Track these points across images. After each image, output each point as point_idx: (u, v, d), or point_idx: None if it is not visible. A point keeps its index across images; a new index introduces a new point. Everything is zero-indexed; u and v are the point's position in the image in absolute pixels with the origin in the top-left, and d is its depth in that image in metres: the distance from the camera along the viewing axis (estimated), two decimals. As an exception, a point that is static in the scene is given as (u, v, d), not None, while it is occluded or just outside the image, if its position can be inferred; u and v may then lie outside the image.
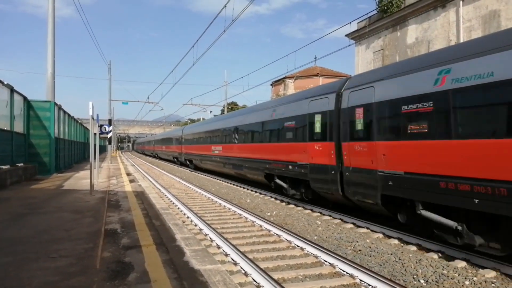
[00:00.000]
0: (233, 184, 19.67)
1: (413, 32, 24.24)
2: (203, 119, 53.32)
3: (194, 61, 23.40)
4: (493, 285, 5.94)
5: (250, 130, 17.39)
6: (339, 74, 46.96)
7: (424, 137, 7.43)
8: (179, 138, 36.18)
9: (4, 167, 12.90)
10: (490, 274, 6.30)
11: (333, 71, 49.45)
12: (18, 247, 5.35)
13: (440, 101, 7.12)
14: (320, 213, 11.57)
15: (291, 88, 47.12)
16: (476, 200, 6.36)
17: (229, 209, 12.24)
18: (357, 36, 29.48)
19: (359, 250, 7.71)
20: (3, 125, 13.22)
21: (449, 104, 6.95)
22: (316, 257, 7.05)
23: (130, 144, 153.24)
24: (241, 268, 6.34)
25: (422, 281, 6.07)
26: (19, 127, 15.12)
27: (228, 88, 49.19)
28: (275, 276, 5.95)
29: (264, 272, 5.96)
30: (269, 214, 11.66)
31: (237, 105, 74.45)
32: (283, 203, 13.59)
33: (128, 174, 20.22)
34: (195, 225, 9.76)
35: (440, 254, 7.36)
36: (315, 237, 8.79)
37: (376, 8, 26.42)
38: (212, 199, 14.25)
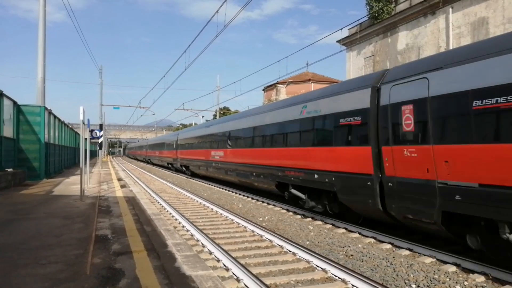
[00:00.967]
0: (225, 189, 19.61)
1: (403, 38, 24.51)
2: (195, 124, 53.23)
3: (186, 66, 23.42)
4: (483, 289, 5.98)
5: (258, 134, 15.49)
6: (331, 79, 47.26)
7: None
8: (174, 142, 34.45)
9: (-7, 172, 12.75)
10: (481, 278, 6.34)
11: (324, 77, 49.75)
12: (6, 254, 5.28)
13: None
14: (312, 218, 11.57)
15: (283, 93, 47.30)
16: None
17: (221, 214, 12.20)
18: (349, 42, 29.75)
19: (351, 255, 7.72)
20: (-8, 130, 13.08)
21: None
22: (308, 262, 7.04)
23: (122, 149, 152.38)
24: (233, 273, 6.31)
25: (413, 286, 6.09)
26: (8, 132, 14.95)
27: (220, 93, 49.23)
28: (267, 282, 5.93)
29: (256, 277, 5.94)
30: (261, 219, 11.64)
31: (230, 110, 74.50)
32: (276, 208, 13.57)
33: (119, 180, 20.08)
34: (187, 230, 9.71)
35: (431, 259, 7.39)
36: (307, 242, 8.78)
37: (367, 15, 26.70)
38: (204, 204, 14.19)
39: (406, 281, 6.29)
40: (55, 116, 21.52)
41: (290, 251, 7.81)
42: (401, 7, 24.60)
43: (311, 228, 10.21)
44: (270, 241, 8.68)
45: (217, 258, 7.17)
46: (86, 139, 14.49)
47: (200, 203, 14.69)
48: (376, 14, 26.13)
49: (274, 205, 14.14)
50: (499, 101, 5.99)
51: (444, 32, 21.25)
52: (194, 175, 28.40)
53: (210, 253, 7.58)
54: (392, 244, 8.49)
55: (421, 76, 7.56)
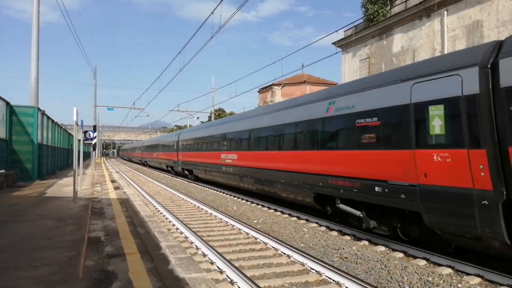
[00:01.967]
0: (220, 192, 19.55)
1: (398, 41, 24.62)
2: (190, 125, 53.05)
3: (181, 67, 23.35)
4: (477, 291, 5.99)
5: (289, 132, 12.57)
6: (327, 81, 47.38)
7: None
8: (175, 143, 31.50)
9: (-15, 173, 12.63)
10: (474, 280, 6.36)
11: (320, 79, 49.86)
12: (-3, 256, 5.21)
13: None
14: (307, 220, 11.55)
15: (279, 95, 47.32)
16: None
17: (216, 216, 12.16)
18: (344, 44, 29.82)
19: (346, 258, 7.71)
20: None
21: None
22: (303, 264, 7.02)
23: (116, 151, 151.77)
24: (227, 276, 6.27)
25: (408, 288, 6.09)
26: (1, 133, 14.85)
27: (215, 95, 49.18)
28: (262, 285, 5.90)
29: (250, 280, 5.91)
30: (255, 221, 11.61)
31: (225, 111, 74.48)
32: (270, 210, 13.54)
33: (113, 181, 19.97)
34: (181, 232, 9.66)
35: (425, 261, 7.40)
36: (302, 245, 8.76)
37: (363, 17, 26.79)
38: (199, 207, 14.14)
39: (400, 283, 6.29)
40: (48, 117, 21.39)
41: (284, 253, 7.79)
42: (396, 9, 24.70)
43: (306, 230, 10.20)
44: (265, 243, 8.65)
45: (211, 261, 7.13)
46: (79, 140, 14.40)
47: (195, 205, 14.64)
48: (372, 17, 26.22)
49: (268, 207, 14.11)
50: None
51: (439, 35, 21.36)
52: (198, 179, 25.54)
53: (204, 255, 7.54)
54: (386, 246, 8.49)
55: None
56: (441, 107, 7.05)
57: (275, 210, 13.48)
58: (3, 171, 14.51)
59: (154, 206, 13.98)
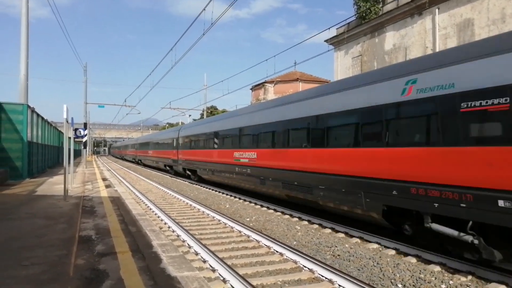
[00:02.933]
0: (212, 190, 19.50)
1: (390, 38, 24.72)
2: (182, 123, 52.76)
3: (172, 64, 23.20)
4: (468, 288, 6.03)
5: (335, 125, 9.92)
6: (319, 79, 47.46)
7: None
8: (174, 140, 28.46)
9: (-27, 171, 12.45)
10: (466, 277, 6.40)
11: (313, 76, 49.93)
12: (-14, 255, 5.13)
13: None
14: (300, 218, 11.56)
15: (271, 92, 47.31)
16: None
17: (208, 214, 12.11)
18: (336, 42, 29.88)
19: (338, 255, 7.72)
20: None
21: None
22: (296, 262, 7.02)
23: (107, 149, 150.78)
24: (220, 274, 6.25)
25: (399, 285, 6.11)
26: (-10, 131, 14.65)
27: (207, 92, 49.01)
28: (254, 283, 5.88)
29: (243, 278, 5.89)
30: (248, 219, 11.59)
31: (217, 109, 74.29)
32: (263, 208, 13.53)
33: (104, 179, 19.83)
34: (173, 231, 9.60)
35: (417, 258, 7.44)
36: (295, 242, 8.76)
37: (355, 15, 26.85)
38: (191, 205, 14.08)
39: (392, 280, 6.31)
40: (38, 115, 21.15)
41: (277, 251, 7.78)
42: (388, 7, 24.80)
43: (299, 228, 10.20)
44: (257, 241, 8.64)
45: (204, 259, 7.09)
46: (70, 138, 14.26)
47: (187, 203, 14.58)
48: (364, 14, 26.29)
49: (261, 205, 14.09)
50: None
51: (431, 33, 21.48)
52: (201, 180, 22.67)
53: (197, 253, 7.50)
54: (378, 244, 8.52)
55: None
56: None
57: (268, 208, 13.46)
58: (-8, 169, 14.33)
59: (145, 205, 13.90)
